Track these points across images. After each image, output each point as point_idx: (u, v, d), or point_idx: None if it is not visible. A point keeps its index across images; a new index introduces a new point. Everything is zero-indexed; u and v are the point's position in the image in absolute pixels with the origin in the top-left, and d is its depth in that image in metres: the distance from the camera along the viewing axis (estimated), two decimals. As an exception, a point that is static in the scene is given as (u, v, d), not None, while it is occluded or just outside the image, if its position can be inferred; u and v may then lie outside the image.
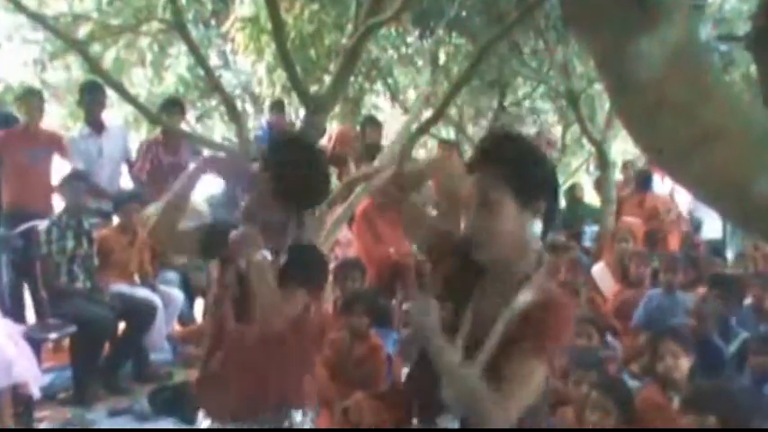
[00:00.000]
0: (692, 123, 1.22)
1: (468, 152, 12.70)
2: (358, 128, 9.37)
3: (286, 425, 2.66)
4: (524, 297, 2.12)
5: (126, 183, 7.70)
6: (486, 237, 2.14)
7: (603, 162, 9.64)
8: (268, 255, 2.59)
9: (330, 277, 6.05)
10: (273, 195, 2.64)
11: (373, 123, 9.04)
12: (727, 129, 1.23)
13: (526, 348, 2.05)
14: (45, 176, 6.87)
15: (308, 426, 2.71)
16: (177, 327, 6.90)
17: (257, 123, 11.22)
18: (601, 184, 9.88)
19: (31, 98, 7.00)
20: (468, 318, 2.18)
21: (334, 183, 7.32)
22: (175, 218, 2.75)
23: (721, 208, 1.32)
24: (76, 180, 6.20)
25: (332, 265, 6.40)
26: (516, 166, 2.14)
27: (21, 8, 6.08)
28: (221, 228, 2.78)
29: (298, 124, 8.79)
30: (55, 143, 7.11)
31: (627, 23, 1.24)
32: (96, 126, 7.24)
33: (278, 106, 9.12)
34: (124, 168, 7.65)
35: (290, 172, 2.64)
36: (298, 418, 2.68)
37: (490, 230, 2.13)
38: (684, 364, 4.37)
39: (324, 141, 8.43)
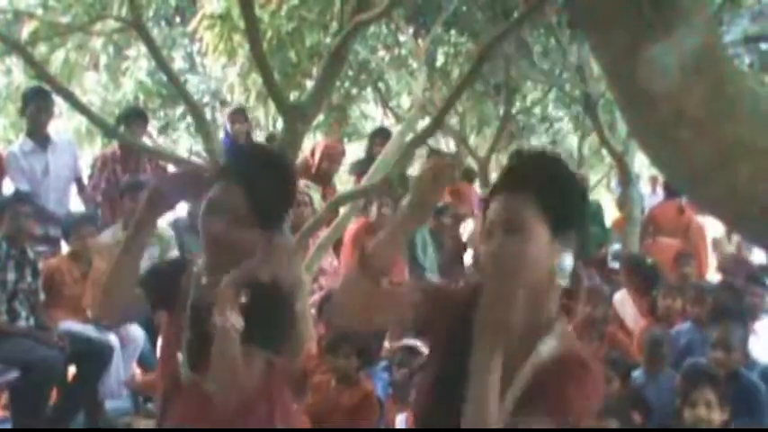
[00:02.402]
0: (714, 139, 1.25)
1: (470, 165, 12.75)
2: (345, 140, 9.41)
3: None
4: (547, 348, 2.15)
5: (76, 205, 7.69)
6: (514, 265, 2.13)
7: (626, 177, 9.67)
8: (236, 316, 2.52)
9: (313, 311, 6.05)
10: (247, 213, 2.58)
11: (384, 136, 9.06)
12: (753, 145, 1.25)
13: (542, 408, 2.06)
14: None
15: None
16: (137, 371, 6.88)
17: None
18: (623, 202, 9.92)
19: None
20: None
21: (318, 202, 7.36)
22: (127, 287, 2.66)
23: (746, 231, 1.34)
24: (18, 202, 6.19)
25: (315, 297, 6.42)
26: (553, 188, 2.16)
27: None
28: (165, 269, 2.79)
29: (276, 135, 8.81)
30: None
31: (639, 26, 1.26)
32: (40, 140, 7.22)
33: (239, 114, 9.07)
34: (74, 188, 7.64)
35: (267, 184, 2.60)
36: None
37: (519, 258, 2.13)
38: (717, 417, 4.40)
39: (306, 156, 8.47)
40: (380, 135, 9.10)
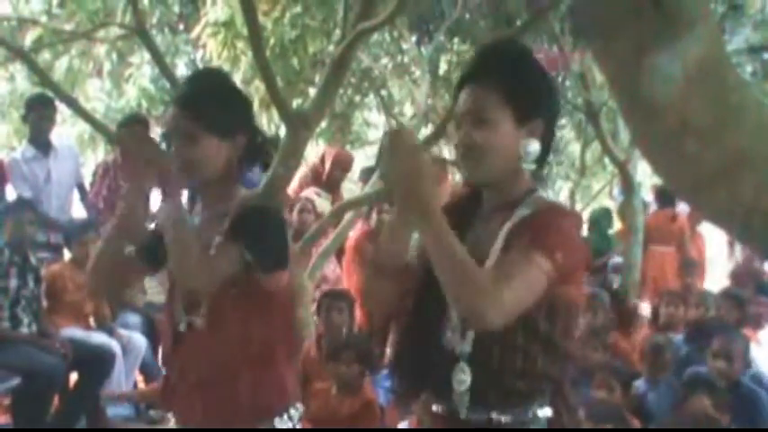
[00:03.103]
0: (718, 149, 1.24)
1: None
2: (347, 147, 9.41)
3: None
4: (522, 212, 2.23)
5: (78, 211, 7.69)
6: (479, 155, 2.22)
7: (628, 185, 9.65)
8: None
9: (313, 308, 6.04)
10: (193, 130, 2.56)
11: None
12: (757, 155, 1.25)
13: (523, 245, 2.11)
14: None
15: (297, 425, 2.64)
16: (139, 378, 6.87)
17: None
18: (625, 210, 9.90)
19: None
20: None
21: (328, 209, 7.36)
22: (117, 262, 2.66)
23: (750, 242, 1.33)
24: (21, 209, 6.19)
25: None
26: (515, 78, 2.22)
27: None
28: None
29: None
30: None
31: (643, 35, 1.26)
32: (42, 146, 7.23)
33: None
34: (76, 195, 7.64)
35: (222, 104, 2.61)
36: (279, 424, 2.60)
37: (483, 148, 2.21)
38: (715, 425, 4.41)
39: (316, 163, 8.47)
40: None
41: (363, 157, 13.68)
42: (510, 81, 2.21)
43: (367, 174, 8.59)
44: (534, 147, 2.22)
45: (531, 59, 2.33)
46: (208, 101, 2.59)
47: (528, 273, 2.06)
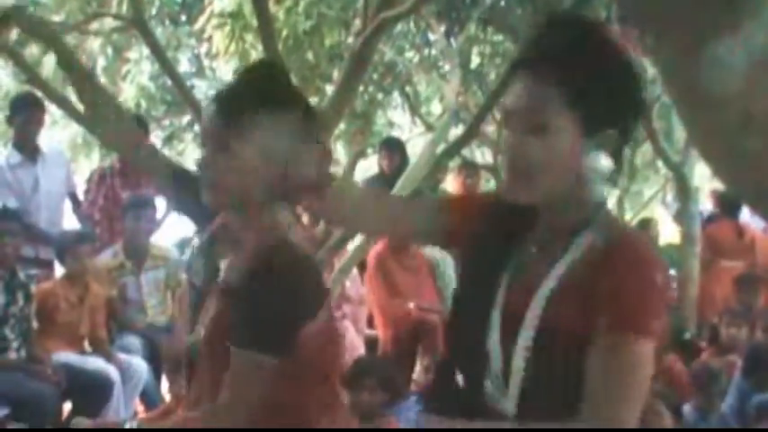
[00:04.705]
0: (786, 147, 1.24)
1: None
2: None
3: None
4: (584, 240, 1.94)
5: (70, 223, 7.71)
6: (533, 172, 1.90)
7: (684, 190, 9.59)
8: None
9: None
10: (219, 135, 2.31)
11: (391, 146, 9.06)
12: (829, 153, 1.25)
13: (611, 329, 1.82)
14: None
15: None
16: (140, 407, 6.89)
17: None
18: (681, 219, 9.84)
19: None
20: (503, 289, 2.01)
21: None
22: None
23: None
24: (7, 220, 6.21)
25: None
26: (590, 70, 1.86)
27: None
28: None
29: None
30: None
31: (702, 21, 1.26)
32: (29, 152, 7.25)
33: None
34: (68, 205, 7.66)
35: (273, 114, 2.32)
36: None
37: (538, 164, 1.89)
38: None
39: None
40: (387, 146, 9.09)
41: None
42: (582, 75, 1.84)
43: (372, 183, 8.59)
44: (605, 164, 1.91)
45: (612, 42, 1.89)
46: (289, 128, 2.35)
47: (632, 373, 1.84)
